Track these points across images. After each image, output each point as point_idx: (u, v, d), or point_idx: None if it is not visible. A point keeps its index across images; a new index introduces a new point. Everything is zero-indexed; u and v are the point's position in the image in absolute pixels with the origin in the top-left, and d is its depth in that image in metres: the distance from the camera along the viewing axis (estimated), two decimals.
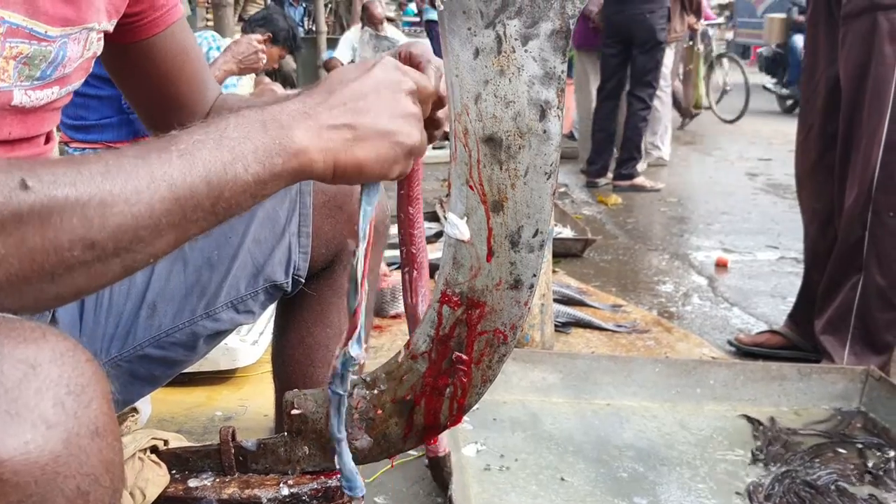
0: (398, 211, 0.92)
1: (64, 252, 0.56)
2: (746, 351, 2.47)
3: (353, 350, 0.81)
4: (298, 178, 0.68)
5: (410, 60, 0.87)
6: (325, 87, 0.72)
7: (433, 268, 2.98)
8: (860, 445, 1.80)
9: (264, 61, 3.33)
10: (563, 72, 0.73)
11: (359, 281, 0.80)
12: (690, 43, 6.42)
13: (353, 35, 7.28)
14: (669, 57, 6.01)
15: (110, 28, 0.92)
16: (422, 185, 0.93)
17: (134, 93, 1.09)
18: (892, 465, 1.70)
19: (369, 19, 7.22)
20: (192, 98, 1.07)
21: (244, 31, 4.31)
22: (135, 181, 0.59)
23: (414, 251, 0.90)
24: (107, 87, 2.56)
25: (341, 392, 0.83)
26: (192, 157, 0.62)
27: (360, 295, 0.80)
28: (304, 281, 1.13)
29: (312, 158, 0.68)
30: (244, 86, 3.81)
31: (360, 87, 0.72)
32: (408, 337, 0.87)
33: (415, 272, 0.90)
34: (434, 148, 5.84)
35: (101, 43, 0.91)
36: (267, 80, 3.76)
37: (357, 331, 0.81)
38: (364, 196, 0.80)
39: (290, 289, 1.13)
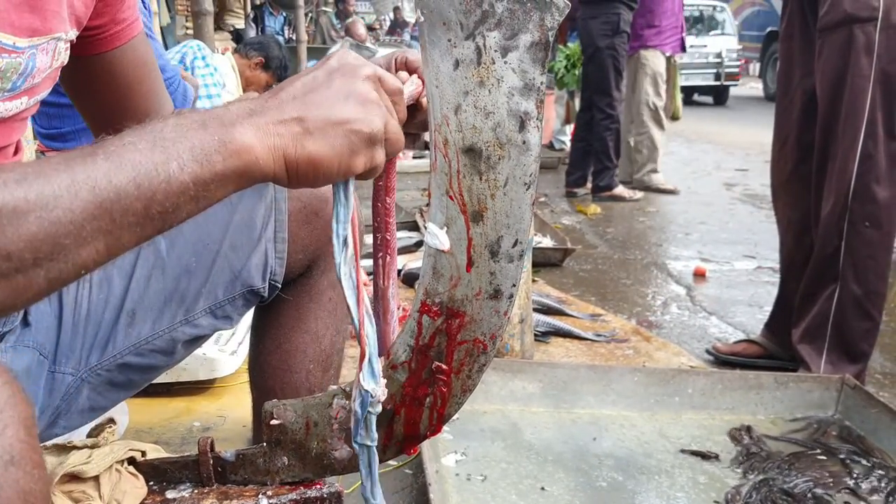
0: (374, 200, 0.91)
1: None
2: (724, 360, 2.49)
3: (367, 383, 0.73)
4: (246, 178, 0.63)
5: (406, 66, 0.85)
6: (277, 87, 0.68)
7: (413, 277, 2.97)
8: (840, 455, 1.81)
9: None
10: (542, 83, 0.73)
11: (355, 298, 0.73)
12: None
13: (337, 49, 7.35)
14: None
15: (74, 38, 0.91)
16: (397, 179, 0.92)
17: (90, 106, 1.07)
18: (873, 475, 1.72)
19: (349, 35, 7.31)
20: (148, 111, 1.05)
21: (237, 51, 4.32)
22: (53, 186, 0.55)
23: (388, 237, 0.90)
24: None
25: (369, 443, 0.76)
26: (119, 159, 0.57)
27: (360, 312, 0.72)
28: (280, 287, 1.13)
29: (258, 156, 0.63)
30: (228, 99, 3.80)
31: (311, 80, 0.67)
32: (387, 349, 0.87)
33: (388, 257, 0.90)
34: (414, 157, 5.85)
35: (68, 53, 0.90)
36: (253, 94, 3.77)
37: (367, 359, 0.72)
38: (335, 196, 0.74)
39: (266, 294, 1.13)
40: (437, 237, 0.78)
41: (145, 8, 2.48)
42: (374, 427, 0.76)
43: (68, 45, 0.89)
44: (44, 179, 0.55)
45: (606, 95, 5.28)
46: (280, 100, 0.65)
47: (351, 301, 0.73)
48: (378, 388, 0.73)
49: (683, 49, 5.95)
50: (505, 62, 0.72)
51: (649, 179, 5.81)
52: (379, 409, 0.75)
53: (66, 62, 0.91)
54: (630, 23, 5.31)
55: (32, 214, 0.54)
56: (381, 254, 0.91)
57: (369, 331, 0.73)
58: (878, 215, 2.10)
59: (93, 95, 1.04)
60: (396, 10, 15.79)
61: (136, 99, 1.04)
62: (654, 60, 5.66)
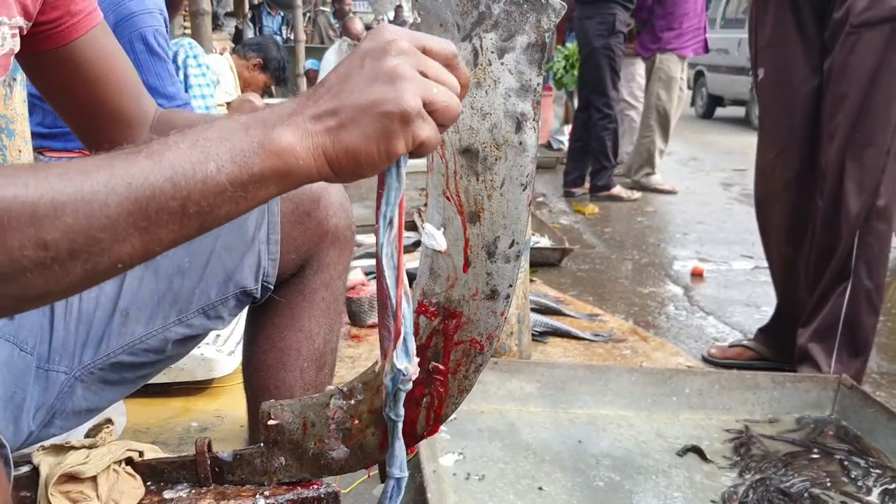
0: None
1: (14, 252, 0.54)
2: (719, 364, 2.49)
3: (400, 362, 0.73)
4: (290, 179, 0.62)
5: None
6: (319, 82, 0.66)
7: (410, 277, 2.98)
8: (837, 455, 1.82)
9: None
10: (539, 84, 0.74)
11: (395, 278, 0.71)
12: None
13: (333, 50, 7.33)
14: (642, 68, 6.06)
15: (23, 25, 0.89)
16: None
17: (63, 105, 1.06)
18: (869, 475, 1.72)
19: (346, 34, 7.28)
20: (123, 106, 1.04)
21: (235, 52, 4.32)
22: (91, 181, 0.56)
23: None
24: None
25: (395, 417, 0.78)
26: (159, 157, 0.58)
27: (398, 293, 0.71)
28: (272, 288, 1.14)
29: (298, 157, 0.61)
30: (220, 97, 3.80)
31: (345, 68, 0.65)
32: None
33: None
34: (411, 157, 5.85)
35: (17, 41, 0.89)
36: (252, 95, 3.77)
37: (401, 337, 0.72)
38: (386, 179, 0.69)
39: (259, 295, 1.13)
40: (434, 238, 0.78)
41: (165, 26, 2.48)
42: (401, 404, 0.77)
43: (16, 31, 0.88)
44: (84, 175, 0.56)
45: (603, 95, 5.28)
46: (317, 95, 0.64)
47: (391, 281, 0.71)
48: (411, 367, 0.73)
49: (706, 50, 5.91)
50: (501, 63, 0.73)
51: (646, 181, 5.82)
52: (409, 386, 0.75)
53: (15, 49, 0.89)
54: (626, 23, 5.30)
55: (69, 207, 0.55)
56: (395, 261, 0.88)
57: (406, 311, 0.72)
58: (889, 209, 2.10)
59: (62, 92, 1.03)
60: (398, 9, 15.78)
61: (107, 92, 1.02)
62: (670, 65, 5.60)
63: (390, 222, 0.70)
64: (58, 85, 1.02)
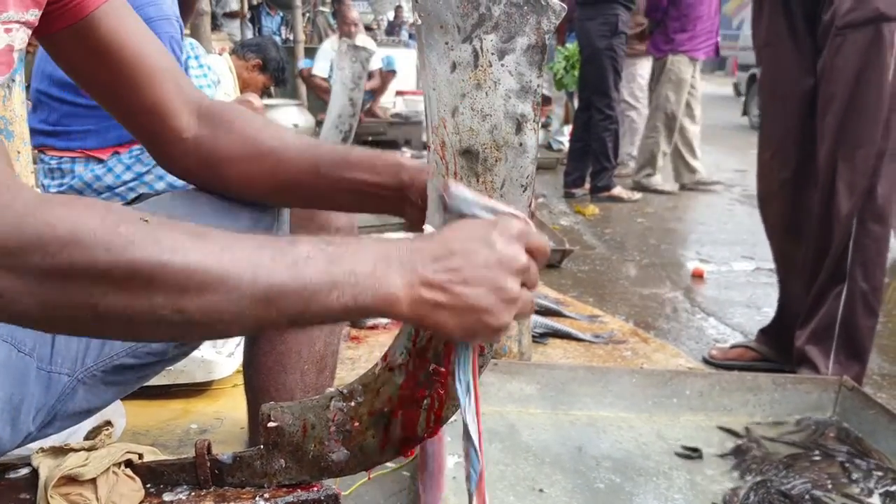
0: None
1: (157, 309, 0.64)
2: (720, 366, 2.49)
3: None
4: (380, 315, 0.72)
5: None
6: (440, 241, 0.73)
7: None
8: (838, 457, 1.81)
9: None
10: (539, 86, 0.73)
11: (478, 442, 0.79)
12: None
13: (331, 46, 7.26)
14: (646, 68, 6.06)
15: (29, 17, 0.88)
16: None
17: (91, 85, 1.04)
18: (871, 477, 1.72)
19: (342, 21, 7.17)
20: (152, 82, 1.01)
21: (234, 52, 4.31)
22: (240, 272, 0.66)
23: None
24: None
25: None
26: (297, 272, 0.67)
27: (481, 458, 0.80)
28: None
29: (401, 309, 0.71)
30: (219, 98, 3.80)
31: (472, 256, 0.72)
32: (385, 349, 0.87)
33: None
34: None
35: (21, 34, 0.87)
36: (251, 96, 3.79)
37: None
38: (458, 350, 0.79)
39: None
40: None
41: (180, 33, 2.48)
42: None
43: (18, 26, 0.86)
44: (233, 262, 0.66)
45: (605, 96, 5.28)
46: (436, 263, 0.71)
47: (474, 436, 0.79)
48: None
49: (717, 54, 5.90)
50: (502, 65, 0.72)
51: (647, 182, 5.82)
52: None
53: (16, 45, 0.87)
54: (628, 23, 5.30)
55: (212, 288, 0.65)
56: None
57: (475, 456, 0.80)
58: (885, 211, 2.10)
59: (86, 70, 1.01)
60: (398, 9, 15.77)
61: (135, 69, 0.99)
62: (681, 67, 5.58)
63: (467, 387, 0.79)
64: (81, 64, 1.00)
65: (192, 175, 1.09)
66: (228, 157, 1.04)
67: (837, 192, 2.12)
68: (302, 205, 1.10)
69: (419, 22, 0.73)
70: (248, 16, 10.24)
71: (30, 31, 0.89)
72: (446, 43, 0.72)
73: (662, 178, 5.90)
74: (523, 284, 0.74)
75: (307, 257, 0.68)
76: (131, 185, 2.28)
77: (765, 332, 2.49)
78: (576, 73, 6.57)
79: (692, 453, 1.80)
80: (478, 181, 0.76)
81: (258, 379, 1.21)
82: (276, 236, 0.72)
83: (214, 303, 0.65)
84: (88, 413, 1.05)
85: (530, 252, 0.74)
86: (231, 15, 9.74)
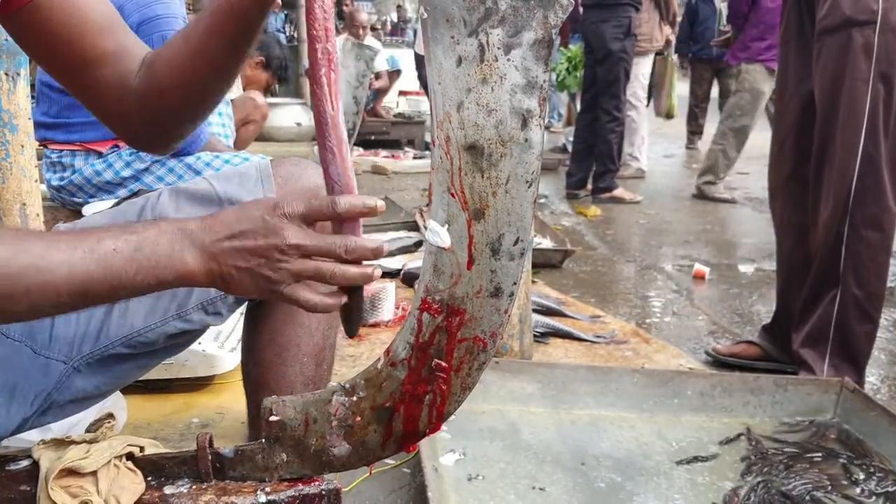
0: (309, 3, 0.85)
1: None
2: (723, 362, 2.49)
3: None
4: (182, 286, 0.87)
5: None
6: (224, 221, 0.85)
7: (412, 277, 2.97)
8: (839, 458, 1.81)
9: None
10: (545, 81, 0.73)
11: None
12: (664, 54, 6.47)
13: (337, 44, 7.26)
14: (647, 67, 6.04)
15: None
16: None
17: (47, 59, 1.04)
18: (871, 479, 1.72)
19: (351, 24, 7.17)
20: (100, 44, 1.02)
21: None
22: (55, 274, 0.78)
23: (330, 48, 0.83)
24: None
25: None
26: (106, 265, 0.81)
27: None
28: None
29: (198, 281, 0.85)
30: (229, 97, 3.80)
31: (250, 234, 0.83)
32: (386, 346, 0.87)
33: (332, 73, 0.84)
34: (415, 158, 5.81)
35: None
36: (254, 93, 3.79)
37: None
38: None
39: None
40: (439, 234, 0.78)
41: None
42: None
43: None
44: (50, 268, 0.79)
45: (615, 98, 5.27)
46: (221, 238, 0.84)
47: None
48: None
49: None
50: (508, 59, 0.72)
51: (707, 189, 5.64)
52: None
53: None
54: (637, 25, 5.28)
55: (35, 291, 0.78)
56: (324, 70, 0.84)
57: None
58: (880, 217, 2.10)
59: (41, 45, 1.01)
60: (399, 7, 15.75)
61: (79, 33, 1.00)
62: (756, 76, 5.27)
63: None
64: (37, 40, 1.00)
65: (138, 131, 1.11)
66: (158, 91, 1.04)
67: (820, 197, 2.14)
68: (213, 79, 1.05)
69: (425, 16, 0.72)
70: None
71: None
72: (452, 37, 0.72)
73: (724, 188, 5.72)
74: (304, 255, 0.84)
75: (114, 250, 0.81)
76: (129, 184, 2.29)
77: (767, 330, 2.49)
78: (577, 74, 6.57)
79: (694, 461, 1.80)
80: (482, 177, 0.76)
81: (257, 372, 1.21)
82: (91, 230, 0.85)
83: (37, 301, 0.78)
84: (86, 401, 1.05)
85: (314, 221, 0.85)
86: None
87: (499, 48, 0.72)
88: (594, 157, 5.46)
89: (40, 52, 1.04)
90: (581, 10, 5.44)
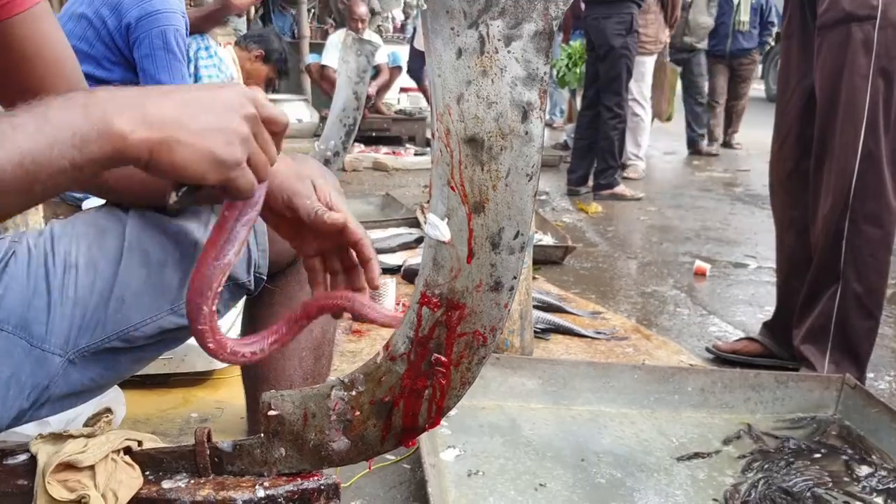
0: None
1: None
2: (724, 358, 2.49)
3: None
4: (114, 162, 0.71)
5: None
6: (166, 88, 0.75)
7: (413, 273, 2.98)
8: (840, 455, 1.81)
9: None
10: (545, 73, 0.73)
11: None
12: (667, 59, 6.46)
13: (337, 39, 7.25)
14: (650, 66, 6.03)
15: None
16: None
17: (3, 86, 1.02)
18: (872, 475, 1.72)
19: (350, 17, 7.15)
20: (55, 89, 0.98)
21: (237, 44, 4.31)
22: None
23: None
24: (118, 69, 2.55)
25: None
26: (10, 143, 0.65)
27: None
28: (266, 279, 1.14)
29: (128, 148, 0.70)
30: None
31: (196, 95, 0.75)
32: (386, 341, 0.86)
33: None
34: (416, 154, 5.81)
35: None
36: (255, 88, 3.78)
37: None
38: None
39: (253, 287, 1.13)
40: (438, 228, 0.78)
41: (185, 29, 2.49)
42: None
43: None
44: None
45: (616, 95, 5.26)
46: (161, 101, 0.72)
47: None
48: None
49: None
50: (508, 51, 0.72)
51: None
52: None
53: None
54: (644, 25, 5.26)
55: None
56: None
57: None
58: (880, 213, 2.10)
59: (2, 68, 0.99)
60: (406, 5, 15.72)
61: (37, 72, 0.99)
62: None
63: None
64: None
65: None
66: None
67: (820, 193, 2.14)
68: None
69: (424, 7, 0.72)
70: (260, 13, 10.20)
71: None
72: (452, 28, 0.71)
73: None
74: (255, 136, 0.77)
75: (13, 127, 0.66)
76: None
77: (768, 326, 2.48)
78: (578, 70, 6.56)
79: (694, 457, 1.80)
80: (482, 170, 0.75)
81: (256, 366, 1.21)
82: None
83: None
84: (83, 395, 1.05)
85: (263, 121, 0.78)
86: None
87: (499, 40, 0.71)
88: (595, 154, 5.46)
89: None
90: (583, 6, 5.43)
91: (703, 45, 7.49)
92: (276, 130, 0.80)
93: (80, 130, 0.67)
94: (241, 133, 0.76)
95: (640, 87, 6.03)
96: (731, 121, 8.23)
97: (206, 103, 0.74)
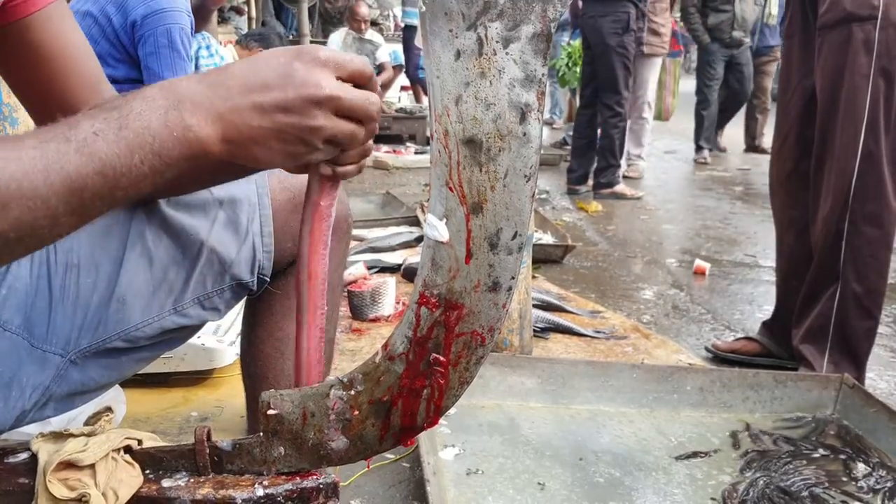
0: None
1: None
2: (723, 357, 2.49)
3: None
4: (193, 165, 0.70)
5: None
6: (236, 75, 0.71)
7: (413, 272, 2.99)
8: (838, 454, 1.81)
9: None
10: (543, 75, 0.73)
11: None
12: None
13: (338, 38, 7.26)
14: (656, 67, 6.03)
15: None
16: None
17: (18, 86, 1.03)
18: (870, 475, 1.72)
19: (352, 18, 7.16)
20: (77, 91, 1.01)
21: (238, 43, 4.32)
22: (32, 177, 0.62)
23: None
24: (122, 66, 2.55)
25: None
26: (89, 151, 0.64)
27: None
28: (269, 280, 1.14)
29: (211, 151, 0.69)
30: None
31: (271, 89, 0.70)
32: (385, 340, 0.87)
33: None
34: (416, 153, 5.82)
35: None
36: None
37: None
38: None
39: (255, 288, 1.13)
40: (437, 228, 0.78)
41: (191, 28, 2.49)
42: None
43: None
44: (23, 170, 0.62)
45: (615, 93, 5.26)
46: (234, 95, 0.69)
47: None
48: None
49: None
50: (506, 53, 0.72)
51: None
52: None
53: None
54: (637, 21, 5.26)
55: (13, 204, 0.61)
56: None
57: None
58: (880, 213, 2.10)
59: (16, 71, 1.00)
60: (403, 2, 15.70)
61: (58, 74, 0.99)
62: None
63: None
64: (11, 62, 0.99)
65: None
66: None
67: (820, 193, 2.14)
68: None
69: (423, 8, 0.72)
70: (273, 13, 10.17)
71: None
72: (450, 30, 0.72)
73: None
74: (338, 113, 0.72)
75: (94, 133, 0.65)
76: None
77: (767, 326, 2.49)
78: (577, 69, 6.56)
79: (693, 456, 1.80)
80: (480, 171, 0.76)
81: (256, 366, 1.22)
82: (57, 123, 0.67)
83: (21, 215, 0.62)
84: (85, 395, 1.05)
85: (348, 79, 0.73)
86: (237, 10, 9.69)
87: (497, 42, 0.72)
88: (596, 153, 5.46)
89: (11, 75, 1.01)
90: (580, 4, 5.43)
91: (749, 40, 7.25)
92: (364, 83, 0.75)
93: (160, 136, 0.66)
94: (314, 125, 0.71)
95: (647, 89, 5.99)
96: (757, 122, 7.94)
97: (279, 100, 0.70)
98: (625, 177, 5.73)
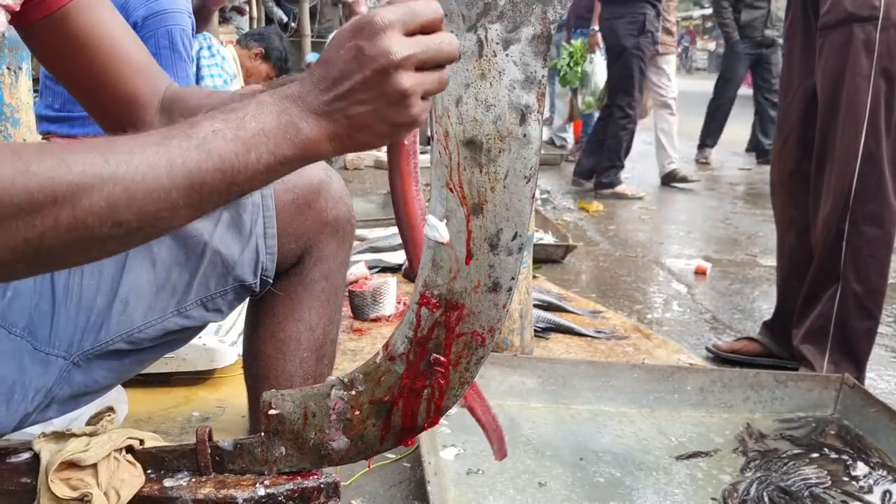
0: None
1: (94, 229, 0.65)
2: (723, 357, 2.50)
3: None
4: (305, 163, 0.74)
5: None
6: (319, 73, 0.73)
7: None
8: (839, 454, 1.81)
9: None
10: (543, 76, 0.73)
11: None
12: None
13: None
14: (672, 65, 6.01)
15: (11, 3, 0.89)
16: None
17: (67, 78, 1.04)
18: (870, 474, 1.72)
19: (351, 15, 7.17)
20: (125, 77, 1.02)
21: (238, 42, 4.32)
22: (156, 171, 0.66)
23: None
24: None
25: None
26: (209, 148, 0.68)
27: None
28: (272, 282, 1.14)
29: (321, 149, 0.73)
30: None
31: (350, 75, 0.72)
32: (386, 340, 0.87)
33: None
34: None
35: (2, 19, 0.89)
36: (256, 87, 3.79)
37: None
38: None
39: (258, 289, 1.14)
40: (437, 229, 0.78)
41: (192, 29, 2.49)
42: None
43: (1, 10, 0.88)
44: (148, 164, 0.66)
45: (628, 95, 5.27)
46: (322, 92, 0.72)
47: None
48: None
49: None
50: (506, 55, 0.72)
51: None
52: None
53: (2, 30, 0.89)
54: (654, 22, 5.25)
55: (139, 194, 0.66)
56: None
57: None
58: (880, 214, 2.10)
59: (62, 63, 1.01)
60: None
61: (104, 61, 1.00)
62: None
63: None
64: (56, 56, 1.01)
65: None
66: None
67: (820, 194, 2.14)
68: None
69: None
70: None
71: (9, 16, 0.89)
72: (451, 32, 0.72)
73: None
74: (418, 68, 0.71)
75: (213, 132, 0.69)
76: None
77: (768, 326, 2.49)
78: (579, 69, 6.56)
79: (693, 456, 1.80)
80: (481, 172, 0.76)
81: (258, 367, 1.22)
82: (178, 123, 0.71)
83: (145, 205, 0.66)
84: (87, 396, 1.05)
85: (416, 31, 0.71)
86: (238, 10, 9.68)
87: (497, 43, 0.72)
88: (604, 153, 5.47)
89: (57, 67, 1.03)
90: (586, 5, 5.43)
91: (781, 41, 7.16)
92: (437, 28, 0.72)
93: (275, 137, 0.70)
94: (401, 90, 0.70)
95: (670, 88, 5.92)
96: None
97: (361, 83, 0.71)
98: (698, 162, 5.62)
